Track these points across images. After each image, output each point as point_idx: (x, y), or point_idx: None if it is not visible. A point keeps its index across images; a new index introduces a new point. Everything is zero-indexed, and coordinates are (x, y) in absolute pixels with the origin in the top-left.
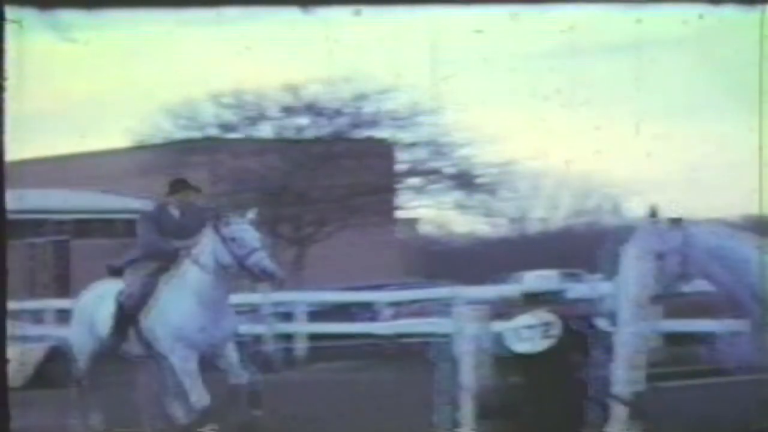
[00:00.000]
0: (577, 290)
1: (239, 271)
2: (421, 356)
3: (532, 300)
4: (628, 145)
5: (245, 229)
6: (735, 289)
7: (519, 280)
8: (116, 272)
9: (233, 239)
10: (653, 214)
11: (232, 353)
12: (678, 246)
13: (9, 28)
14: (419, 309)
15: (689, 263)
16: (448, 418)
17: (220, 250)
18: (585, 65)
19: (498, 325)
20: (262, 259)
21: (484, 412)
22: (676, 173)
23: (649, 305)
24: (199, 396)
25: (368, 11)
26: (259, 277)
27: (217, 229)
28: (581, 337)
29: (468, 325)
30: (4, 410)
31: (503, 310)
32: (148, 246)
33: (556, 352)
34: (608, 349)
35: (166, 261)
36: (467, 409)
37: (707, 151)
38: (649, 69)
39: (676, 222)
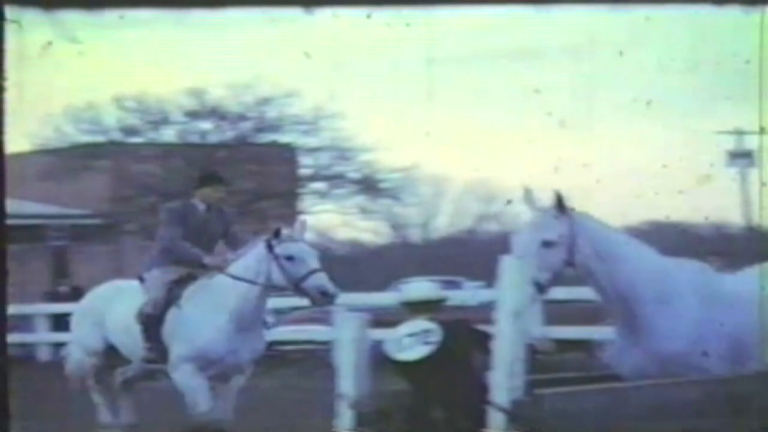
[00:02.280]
0: (458, 297)
1: (293, 292)
2: (301, 363)
3: (413, 308)
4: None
5: (303, 248)
6: (608, 290)
7: (399, 287)
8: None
9: (290, 258)
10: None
11: (239, 380)
12: (565, 233)
13: (9, 28)
14: (301, 316)
15: (575, 252)
16: (327, 426)
17: (272, 269)
18: (573, 66)
19: (378, 333)
20: (321, 280)
21: (362, 420)
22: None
23: (534, 296)
24: (203, 404)
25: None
26: (315, 298)
27: (270, 247)
28: (463, 343)
29: (348, 333)
30: (5, 412)
31: (384, 317)
32: (172, 248)
33: (436, 358)
34: (489, 355)
35: (193, 267)
36: (345, 417)
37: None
38: (647, 69)
39: (563, 210)
